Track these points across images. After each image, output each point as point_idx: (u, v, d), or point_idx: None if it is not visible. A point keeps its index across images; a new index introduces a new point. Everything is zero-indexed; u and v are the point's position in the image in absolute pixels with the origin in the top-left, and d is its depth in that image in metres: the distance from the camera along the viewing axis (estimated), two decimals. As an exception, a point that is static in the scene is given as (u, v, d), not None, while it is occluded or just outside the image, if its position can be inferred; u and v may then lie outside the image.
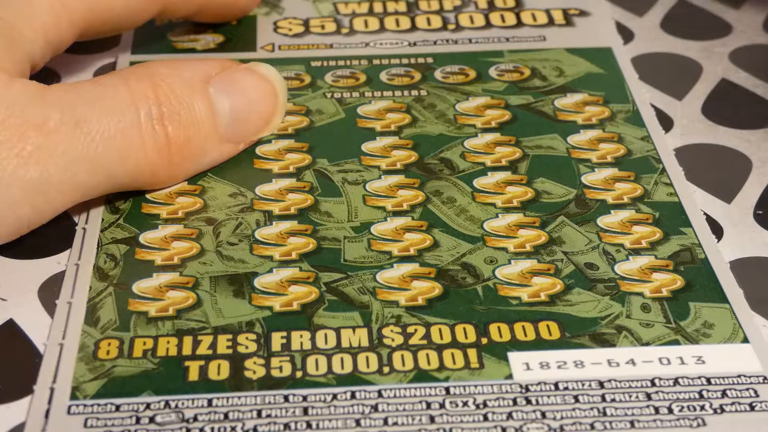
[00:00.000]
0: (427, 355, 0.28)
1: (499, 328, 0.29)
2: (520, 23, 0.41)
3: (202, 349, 0.28)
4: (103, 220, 0.32)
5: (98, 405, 0.27)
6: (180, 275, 0.30)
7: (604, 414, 0.26)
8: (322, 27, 0.40)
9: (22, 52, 0.32)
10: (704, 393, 0.27)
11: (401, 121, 0.36)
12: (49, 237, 0.32)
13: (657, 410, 0.27)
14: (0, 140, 0.29)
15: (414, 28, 0.40)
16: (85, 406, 0.27)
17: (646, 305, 0.29)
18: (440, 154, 0.34)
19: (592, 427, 0.26)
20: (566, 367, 0.28)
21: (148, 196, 0.33)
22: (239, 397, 0.27)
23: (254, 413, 0.26)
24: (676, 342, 0.28)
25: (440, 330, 0.29)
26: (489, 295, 0.30)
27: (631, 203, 0.33)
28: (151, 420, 0.26)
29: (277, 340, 0.28)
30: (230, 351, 0.28)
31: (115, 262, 0.31)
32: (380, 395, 0.27)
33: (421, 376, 0.27)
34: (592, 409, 0.27)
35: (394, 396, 0.27)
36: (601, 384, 0.27)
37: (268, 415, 0.26)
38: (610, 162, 0.34)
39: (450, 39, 0.40)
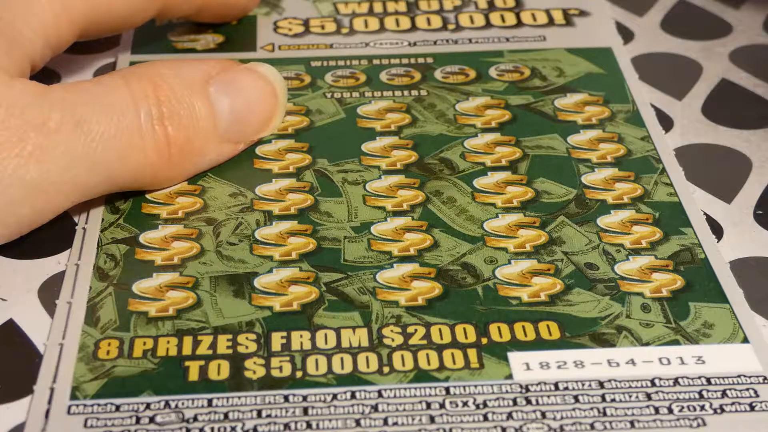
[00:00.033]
0: (427, 355, 0.28)
1: (499, 328, 0.29)
2: (520, 23, 0.41)
3: (202, 349, 0.28)
4: (103, 220, 0.32)
5: (98, 405, 0.27)
6: (180, 275, 0.30)
7: (604, 414, 0.26)
8: (322, 27, 0.40)
9: (22, 52, 0.31)
10: (704, 393, 0.27)
11: (401, 121, 0.36)
12: (49, 237, 0.32)
13: (657, 410, 0.27)
14: (0, 140, 0.29)
15: (414, 28, 0.40)
16: (85, 406, 0.27)
17: (646, 305, 0.29)
18: (440, 154, 0.34)
19: (592, 427, 0.26)
20: (566, 367, 0.28)
21: (148, 196, 0.33)
22: (239, 397, 0.27)
23: (254, 413, 0.26)
24: (676, 342, 0.28)
25: (440, 330, 0.29)
26: (489, 295, 0.30)
27: (631, 203, 0.33)
28: (151, 420, 0.26)
29: (277, 340, 0.28)
30: (230, 351, 0.28)
31: (115, 262, 0.31)
32: (380, 395, 0.27)
33: (421, 376, 0.27)
34: (592, 409, 0.27)
35: (394, 396, 0.27)
36: (601, 384, 0.27)
37: (268, 415, 0.26)
38: (610, 162, 0.34)
39: (450, 39, 0.40)
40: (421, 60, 0.39)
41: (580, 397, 0.27)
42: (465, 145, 0.35)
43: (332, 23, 0.41)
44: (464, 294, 0.30)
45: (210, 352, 0.28)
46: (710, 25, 0.41)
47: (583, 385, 0.27)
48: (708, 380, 0.27)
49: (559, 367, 0.28)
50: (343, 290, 0.30)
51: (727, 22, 0.41)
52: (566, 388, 0.27)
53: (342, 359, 0.28)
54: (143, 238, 0.31)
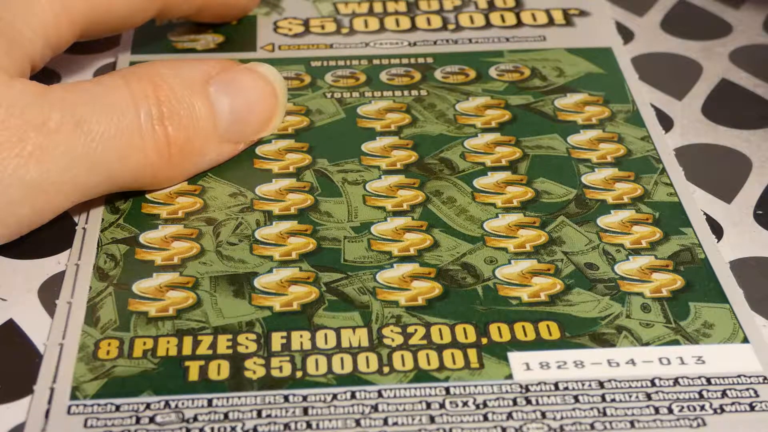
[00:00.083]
0: (427, 355, 0.28)
1: (499, 328, 0.29)
2: (520, 23, 0.41)
3: (202, 349, 0.28)
4: (103, 220, 0.32)
5: (98, 405, 0.27)
6: (180, 275, 0.30)
7: (604, 414, 0.26)
8: (322, 27, 0.40)
9: (22, 52, 0.31)
10: (704, 393, 0.27)
11: (401, 121, 0.36)
12: (49, 237, 0.32)
13: (657, 410, 0.27)
14: (0, 140, 0.29)
15: (414, 28, 0.40)
16: (85, 406, 0.27)
17: (646, 305, 0.29)
18: (440, 154, 0.34)
19: (592, 427, 0.26)
20: (566, 367, 0.28)
21: (148, 196, 0.33)
22: (239, 397, 0.27)
23: (254, 413, 0.26)
24: (676, 342, 0.28)
25: (440, 330, 0.29)
26: (489, 295, 0.30)
27: (631, 203, 0.33)
28: (151, 420, 0.26)
29: (277, 340, 0.28)
30: (230, 351, 0.28)
31: (115, 262, 0.31)
32: (380, 395, 0.27)
33: (421, 376, 0.27)
34: (592, 409, 0.27)
35: (394, 396, 0.27)
36: (601, 384, 0.27)
37: (268, 415, 0.26)
38: (610, 162, 0.34)
39: (450, 39, 0.40)
40: (421, 60, 0.39)
41: (580, 397, 0.27)
42: (465, 145, 0.35)
43: (332, 23, 0.41)
44: (464, 294, 0.30)
45: (210, 352, 0.28)
46: (710, 25, 0.41)
47: (583, 385, 0.27)
48: (708, 380, 0.27)
49: (559, 367, 0.28)
50: (343, 290, 0.30)
51: (727, 22, 0.41)
52: (566, 388, 0.27)
53: (342, 359, 0.28)
54: (143, 238, 0.31)
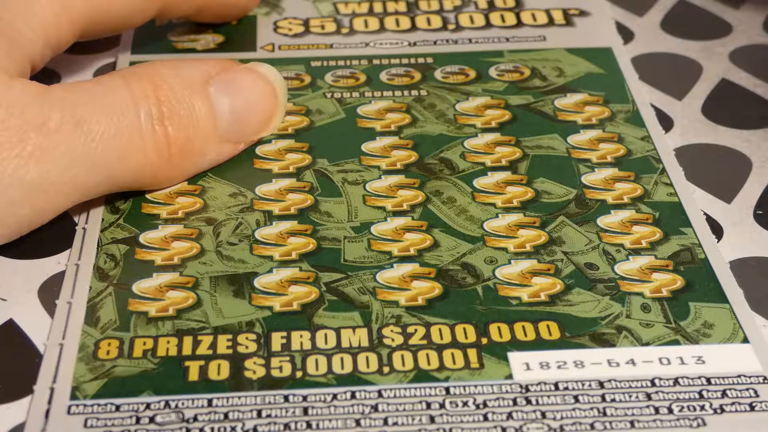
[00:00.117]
0: (427, 355, 0.28)
1: (499, 328, 0.29)
2: (520, 23, 0.41)
3: (202, 349, 0.28)
4: (103, 220, 0.32)
5: (98, 405, 0.27)
6: (180, 275, 0.30)
7: (604, 414, 0.26)
8: (322, 27, 0.40)
9: (22, 52, 0.31)
10: (704, 393, 0.27)
11: (401, 121, 0.36)
12: (49, 237, 0.32)
13: (657, 410, 0.27)
14: (0, 141, 0.29)
15: (414, 28, 0.40)
16: (85, 406, 0.27)
17: (646, 305, 0.29)
18: (440, 154, 0.34)
19: (592, 427, 0.26)
20: (566, 367, 0.28)
21: (148, 196, 0.33)
22: (239, 397, 0.27)
23: (254, 413, 0.26)
24: (676, 342, 0.28)
25: (440, 330, 0.29)
26: (489, 295, 0.30)
27: (631, 203, 0.33)
28: (151, 420, 0.26)
29: (277, 340, 0.28)
30: (230, 351, 0.28)
31: (115, 262, 0.31)
32: (380, 395, 0.27)
33: (421, 376, 0.27)
34: (592, 409, 0.27)
35: (394, 396, 0.27)
36: (601, 384, 0.27)
37: (268, 415, 0.26)
38: (610, 162, 0.34)
39: (450, 39, 0.40)
40: (421, 60, 0.39)
41: (580, 397, 0.27)
42: (465, 145, 0.35)
43: (332, 23, 0.41)
44: (464, 294, 0.30)
45: (210, 352, 0.28)
46: (710, 25, 0.41)
47: (583, 385, 0.27)
48: (708, 380, 0.27)
49: (559, 367, 0.28)
50: (343, 290, 0.30)
51: (727, 22, 0.41)
52: (566, 388, 0.27)
53: (342, 359, 0.28)
54: (143, 238, 0.31)
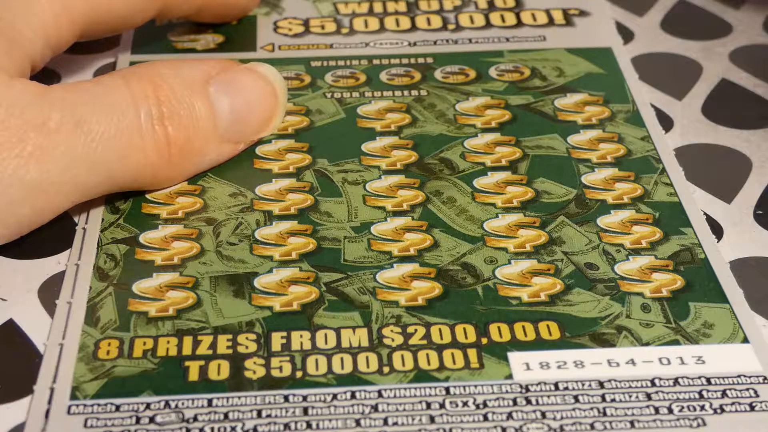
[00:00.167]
0: (427, 355, 0.28)
1: (499, 328, 0.29)
2: (520, 23, 0.41)
3: (202, 349, 0.28)
4: (103, 220, 0.32)
5: (98, 405, 0.27)
6: (180, 275, 0.30)
7: (604, 414, 0.26)
8: (322, 27, 0.40)
9: (22, 52, 0.31)
10: (704, 393, 0.27)
11: (401, 121, 0.36)
12: (49, 237, 0.32)
13: (657, 410, 0.27)
14: (0, 141, 0.29)
15: (414, 28, 0.40)
16: (85, 406, 0.27)
17: (646, 305, 0.29)
18: (440, 154, 0.34)
19: (592, 427, 0.26)
20: (566, 367, 0.28)
21: (148, 196, 0.33)
22: (239, 397, 0.27)
23: (254, 413, 0.26)
24: (676, 342, 0.28)
25: (440, 330, 0.29)
26: (489, 295, 0.30)
27: (631, 203, 0.33)
28: (151, 420, 0.26)
29: (277, 340, 0.28)
30: (230, 351, 0.28)
31: (115, 262, 0.31)
32: (380, 395, 0.27)
33: (421, 376, 0.27)
34: (592, 409, 0.27)
35: (394, 396, 0.27)
36: (601, 384, 0.27)
37: (268, 415, 0.26)
38: (610, 162, 0.34)
39: (450, 39, 0.40)
40: (421, 60, 0.39)
41: (580, 397, 0.27)
42: (465, 145, 0.35)
43: (332, 23, 0.41)
44: (464, 294, 0.30)
45: (210, 352, 0.28)
46: (710, 25, 0.41)
47: (583, 385, 0.27)
48: (708, 380, 0.27)
49: (559, 367, 0.28)
50: (343, 290, 0.30)
51: (727, 22, 0.41)
52: (566, 388, 0.27)
53: (342, 359, 0.28)
54: (143, 238, 0.31)
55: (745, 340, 0.28)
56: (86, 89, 0.31)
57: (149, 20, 0.36)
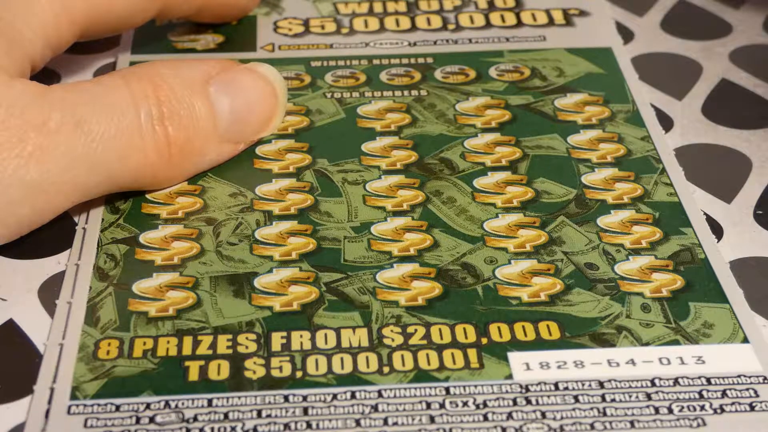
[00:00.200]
0: (427, 355, 0.28)
1: (499, 328, 0.29)
2: (520, 23, 0.41)
3: (202, 349, 0.28)
4: (103, 220, 0.32)
5: (98, 405, 0.27)
6: (180, 275, 0.30)
7: (604, 414, 0.26)
8: (322, 27, 0.40)
9: (22, 52, 0.31)
10: (704, 393, 0.27)
11: (401, 121, 0.36)
12: (49, 237, 0.32)
13: (657, 410, 0.27)
14: (0, 141, 0.29)
15: (414, 28, 0.40)
16: (85, 406, 0.27)
17: (646, 305, 0.29)
18: (440, 154, 0.34)
19: (592, 427, 0.26)
20: (566, 367, 0.28)
21: (148, 196, 0.33)
22: (239, 397, 0.27)
23: (254, 413, 0.26)
24: (676, 342, 0.28)
25: (440, 330, 0.29)
26: (489, 295, 0.30)
27: (631, 203, 0.33)
28: (151, 420, 0.26)
29: (277, 340, 0.28)
30: (230, 351, 0.28)
31: (115, 262, 0.31)
32: (380, 395, 0.27)
33: (421, 376, 0.27)
34: (592, 409, 0.27)
35: (394, 396, 0.27)
36: (601, 384, 0.27)
37: (268, 415, 0.26)
38: (610, 162, 0.34)
39: (450, 39, 0.40)
40: (421, 60, 0.39)
41: (580, 397, 0.27)
42: (465, 145, 0.35)
43: (332, 23, 0.41)
44: (464, 294, 0.30)
45: (210, 352, 0.28)
46: (710, 25, 0.41)
47: (583, 385, 0.27)
48: (708, 380, 0.27)
49: (559, 367, 0.28)
50: (343, 290, 0.30)
51: (727, 22, 0.41)
52: (566, 388, 0.27)
53: (342, 359, 0.28)
54: (143, 238, 0.31)
55: (745, 340, 0.28)
56: (86, 89, 0.31)
57: (149, 20, 0.36)
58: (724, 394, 0.27)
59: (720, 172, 0.34)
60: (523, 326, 0.29)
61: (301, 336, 0.28)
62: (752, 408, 0.27)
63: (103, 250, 0.31)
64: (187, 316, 0.29)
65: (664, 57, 0.40)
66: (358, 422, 0.26)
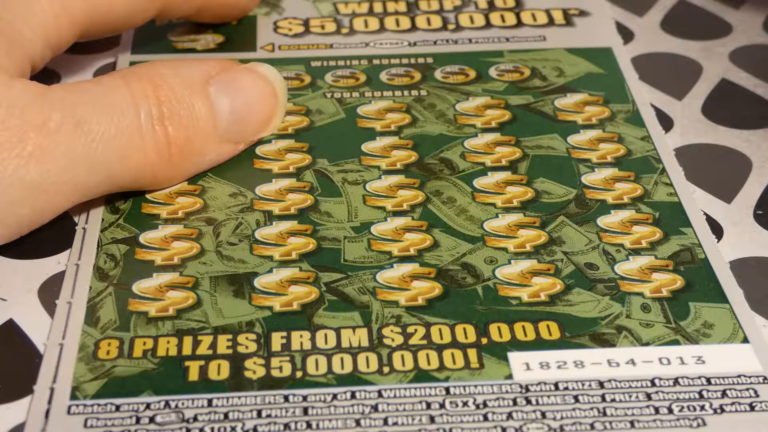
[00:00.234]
0: (427, 355, 0.28)
1: (499, 328, 0.29)
2: (520, 23, 0.41)
3: (202, 349, 0.28)
4: (103, 220, 0.32)
5: (98, 405, 0.27)
6: (180, 275, 0.30)
7: (604, 414, 0.26)
8: (322, 27, 0.40)
9: (22, 52, 0.31)
10: (704, 393, 0.27)
11: (401, 121, 0.36)
12: (49, 237, 0.32)
13: (657, 410, 0.27)
14: (0, 141, 0.29)
15: (414, 28, 0.40)
16: (85, 406, 0.27)
17: (646, 305, 0.29)
18: (440, 154, 0.34)
19: (592, 427, 0.26)
20: (566, 367, 0.28)
21: (148, 196, 0.33)
22: (239, 397, 0.27)
23: (254, 413, 0.26)
24: (676, 342, 0.28)
25: (440, 330, 0.29)
26: (489, 295, 0.30)
27: (631, 203, 0.33)
28: (151, 420, 0.26)
29: (277, 340, 0.28)
30: (230, 351, 0.28)
31: (115, 262, 0.31)
32: (380, 395, 0.27)
33: (421, 376, 0.27)
34: (592, 409, 0.27)
35: (394, 396, 0.27)
36: (601, 384, 0.27)
37: (268, 415, 0.26)
38: (610, 162, 0.34)
39: (450, 39, 0.40)
40: (421, 60, 0.39)
41: (580, 397, 0.27)
42: (465, 145, 0.35)
43: (332, 23, 0.41)
44: (464, 294, 0.30)
45: (210, 352, 0.28)
46: (710, 25, 0.41)
47: (583, 385, 0.27)
48: (708, 380, 0.27)
49: (559, 367, 0.28)
50: (343, 290, 0.30)
51: (727, 22, 0.41)
52: (566, 388, 0.27)
53: (342, 359, 0.28)
54: (143, 238, 0.31)
55: (745, 340, 0.28)
56: (86, 89, 0.31)
57: (149, 20, 0.36)
58: (724, 394, 0.27)
59: (720, 172, 0.34)
60: (523, 326, 0.29)
61: (301, 336, 0.28)
62: (752, 408, 0.27)
63: (103, 250, 0.31)
64: (187, 316, 0.29)
65: (664, 57, 0.40)
66: (358, 422, 0.26)
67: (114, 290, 0.30)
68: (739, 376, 0.27)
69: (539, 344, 0.28)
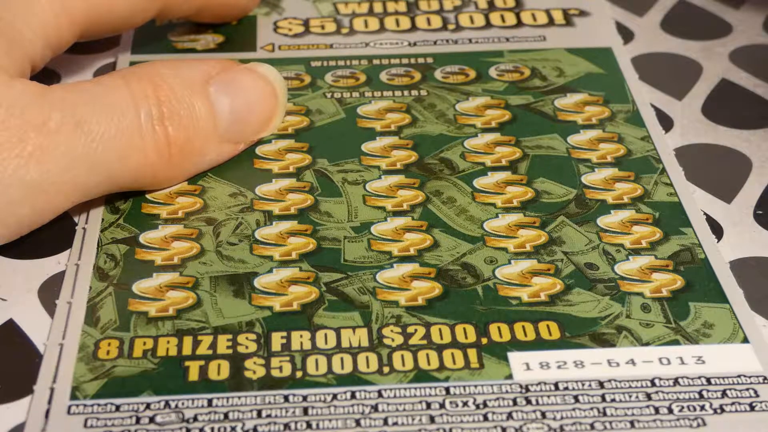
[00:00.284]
0: (427, 355, 0.28)
1: (499, 328, 0.29)
2: (520, 23, 0.41)
3: (202, 349, 0.28)
4: (103, 220, 0.32)
5: (98, 405, 0.27)
6: (180, 275, 0.30)
7: (604, 414, 0.26)
8: (322, 27, 0.40)
9: (22, 52, 0.31)
10: (704, 393, 0.27)
11: (401, 121, 0.36)
12: (49, 237, 0.32)
13: (657, 410, 0.27)
14: (0, 141, 0.29)
15: (414, 28, 0.40)
16: (85, 406, 0.27)
17: (646, 305, 0.29)
18: (440, 154, 0.34)
19: (592, 427, 0.26)
20: (566, 367, 0.28)
21: (148, 196, 0.33)
22: (239, 397, 0.27)
23: (254, 413, 0.26)
24: (676, 342, 0.28)
25: (440, 330, 0.29)
26: (489, 295, 0.30)
27: (631, 203, 0.33)
28: (151, 420, 0.26)
29: (277, 340, 0.28)
30: (230, 351, 0.28)
31: (115, 262, 0.31)
32: (380, 395, 0.27)
33: (421, 376, 0.27)
34: (592, 409, 0.27)
35: (394, 396, 0.27)
36: (601, 384, 0.27)
37: (268, 415, 0.26)
38: (610, 162, 0.34)
39: (450, 39, 0.40)
40: (421, 60, 0.39)
41: (580, 397, 0.27)
42: (465, 145, 0.35)
43: (332, 23, 0.41)
44: (464, 294, 0.30)
45: (210, 352, 0.28)
46: (710, 25, 0.41)
47: (583, 385, 0.27)
48: (708, 380, 0.27)
49: (559, 367, 0.28)
50: (343, 290, 0.30)
51: (727, 22, 0.41)
52: (566, 388, 0.27)
53: (342, 359, 0.28)
54: (143, 238, 0.31)
55: (745, 340, 0.28)
56: (86, 89, 0.31)
57: (149, 20, 0.36)
58: (724, 394, 0.27)
59: (720, 172, 0.34)
60: (523, 326, 0.29)
61: (301, 336, 0.28)
62: (752, 408, 0.27)
63: (103, 250, 0.31)
64: (187, 316, 0.29)
65: (664, 57, 0.40)
66: (358, 422, 0.26)
67: (114, 290, 0.30)
68: (739, 376, 0.27)
69: (539, 344, 0.28)
